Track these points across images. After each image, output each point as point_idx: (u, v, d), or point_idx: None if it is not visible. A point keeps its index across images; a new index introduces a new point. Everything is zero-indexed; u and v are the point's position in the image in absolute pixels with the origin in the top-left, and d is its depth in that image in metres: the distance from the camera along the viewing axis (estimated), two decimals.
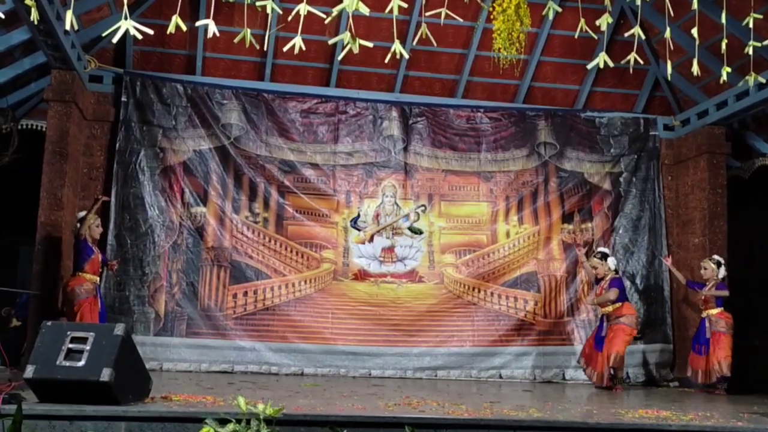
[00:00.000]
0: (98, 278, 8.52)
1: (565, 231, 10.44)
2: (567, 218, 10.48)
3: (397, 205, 10.25)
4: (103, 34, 5.79)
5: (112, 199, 9.37)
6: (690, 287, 9.57)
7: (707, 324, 9.07)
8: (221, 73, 10.17)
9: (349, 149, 10.24)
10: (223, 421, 4.11)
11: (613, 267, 9.22)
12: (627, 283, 9.99)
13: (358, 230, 10.11)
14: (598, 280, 9.33)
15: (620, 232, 10.44)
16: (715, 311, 9.05)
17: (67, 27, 4.23)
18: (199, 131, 9.87)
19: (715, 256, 9.36)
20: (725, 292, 9.09)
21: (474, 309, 10.07)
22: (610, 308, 9.04)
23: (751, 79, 5.39)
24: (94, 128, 9.67)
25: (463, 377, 9.76)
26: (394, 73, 10.36)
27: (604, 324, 9.12)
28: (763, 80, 5.98)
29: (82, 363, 4.63)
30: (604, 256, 9.27)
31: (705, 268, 9.26)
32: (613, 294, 8.99)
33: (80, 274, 8.30)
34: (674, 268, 9.76)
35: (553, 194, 10.50)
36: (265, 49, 9.67)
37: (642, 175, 10.64)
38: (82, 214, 8.47)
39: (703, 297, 9.20)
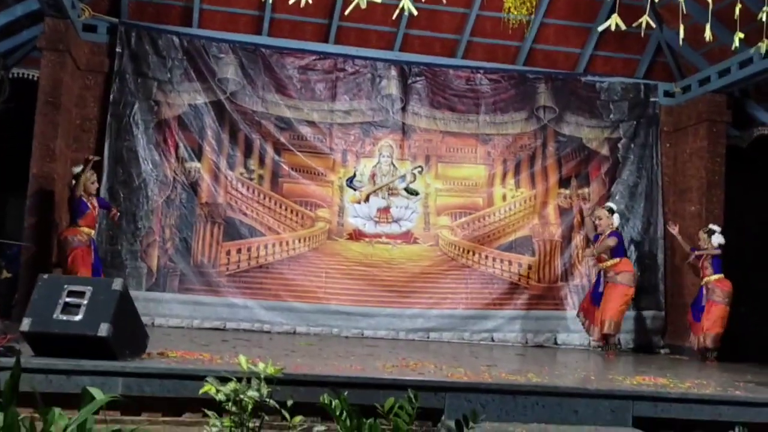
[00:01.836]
0: (93, 231, 8.45)
1: (562, 196, 10.40)
2: (564, 183, 10.42)
3: (394, 166, 10.15)
4: None
5: (105, 152, 9.25)
6: (693, 252, 9.54)
7: (704, 292, 9.09)
8: (218, 26, 9.96)
9: (346, 107, 10.10)
10: (223, 380, 4.06)
11: (616, 224, 9.21)
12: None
13: (354, 190, 10.03)
14: (596, 237, 9.31)
15: (617, 198, 10.37)
16: (713, 278, 9.05)
17: None
18: (194, 85, 9.70)
19: (713, 226, 9.32)
20: (717, 251, 9.08)
21: (468, 272, 10.04)
22: (608, 263, 9.04)
23: (763, 45, 5.32)
24: (87, 79, 9.48)
25: (456, 339, 9.76)
26: (394, 31, 10.18)
27: (601, 279, 9.14)
28: None
29: (79, 317, 4.56)
30: (611, 211, 9.24)
31: (700, 239, 9.26)
32: (611, 241, 9.01)
33: (75, 227, 8.25)
34: (679, 236, 9.69)
35: (550, 158, 10.43)
36: (269, 1, 9.44)
37: (640, 142, 10.57)
38: (77, 169, 8.33)
39: (700, 264, 9.20)
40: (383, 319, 9.71)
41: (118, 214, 8.81)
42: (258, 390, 4.08)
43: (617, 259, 9.02)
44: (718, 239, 9.12)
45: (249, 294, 9.53)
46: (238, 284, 9.55)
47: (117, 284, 4.77)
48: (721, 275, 9.05)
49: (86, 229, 8.28)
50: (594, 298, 9.21)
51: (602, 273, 9.16)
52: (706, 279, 9.12)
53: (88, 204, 8.34)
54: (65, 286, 4.70)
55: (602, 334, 8.93)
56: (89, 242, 8.32)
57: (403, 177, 10.14)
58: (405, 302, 9.82)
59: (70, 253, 8.14)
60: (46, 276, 4.88)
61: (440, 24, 10.29)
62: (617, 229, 9.23)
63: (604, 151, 10.56)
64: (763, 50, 5.36)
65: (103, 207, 8.69)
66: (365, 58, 10.18)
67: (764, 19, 5.13)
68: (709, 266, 9.09)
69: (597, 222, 9.26)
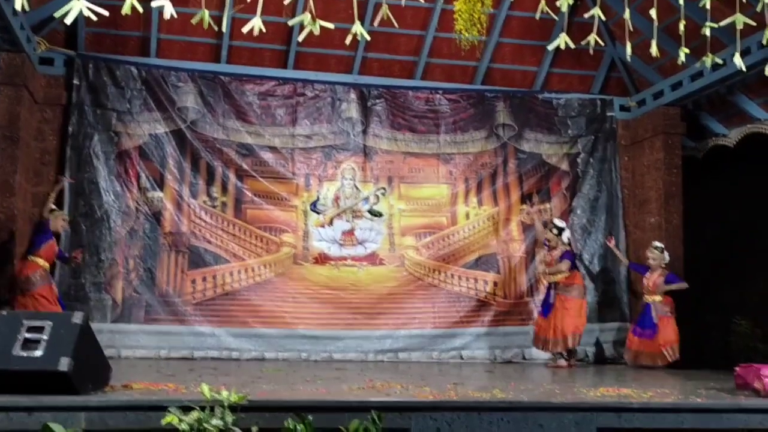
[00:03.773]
0: (49, 266, 8.37)
1: (524, 212, 10.51)
2: (526, 199, 10.55)
3: (357, 188, 10.21)
4: (56, 15, 5.61)
5: (66, 185, 9.16)
6: (633, 269, 9.77)
7: (653, 310, 9.26)
8: (176, 56, 9.99)
9: (307, 132, 10.15)
10: (186, 409, 4.05)
11: (566, 241, 9.34)
12: (585, 262, 10.31)
13: (318, 213, 10.06)
14: (548, 246, 9.48)
15: (578, 212, 10.54)
16: (659, 297, 9.26)
17: (17, 7, 4.10)
18: (154, 115, 9.70)
19: (658, 243, 9.52)
20: (683, 285, 9.28)
21: (435, 291, 10.10)
22: (559, 276, 9.17)
23: (708, 60, 5.46)
24: (45, 112, 9.43)
25: (425, 359, 9.79)
26: (352, 54, 10.27)
27: (552, 292, 9.25)
28: (720, 61, 6.08)
29: (39, 353, 4.52)
30: (560, 232, 9.37)
31: (652, 255, 9.41)
32: (564, 266, 9.17)
33: (32, 258, 8.18)
34: (616, 249, 10.04)
35: (511, 175, 10.56)
36: (223, 30, 9.50)
37: (599, 156, 10.75)
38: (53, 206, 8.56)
39: (651, 284, 9.35)
40: (352, 342, 9.71)
41: (80, 257, 8.77)
42: (222, 418, 4.08)
43: (568, 273, 9.16)
44: (667, 256, 9.35)
45: (216, 322, 9.49)
46: (204, 312, 9.50)
47: (77, 318, 4.74)
48: (665, 294, 9.26)
49: (44, 263, 8.20)
50: (544, 309, 9.32)
51: (552, 285, 9.27)
52: (652, 298, 9.30)
53: (53, 237, 8.31)
54: (24, 321, 4.66)
55: (567, 349, 9.03)
56: (49, 278, 8.24)
57: (367, 199, 10.20)
58: (373, 324, 9.84)
59: (35, 294, 8.02)
60: (4, 312, 4.84)
61: (398, 46, 10.42)
62: (569, 247, 9.35)
63: (564, 166, 10.72)
64: (708, 64, 5.50)
65: (60, 258, 8.66)
66: (325, 83, 10.27)
67: (708, 33, 5.25)
68: (661, 284, 9.28)
69: (547, 243, 9.45)
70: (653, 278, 9.34)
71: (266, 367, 8.22)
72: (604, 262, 10.51)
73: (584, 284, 9.44)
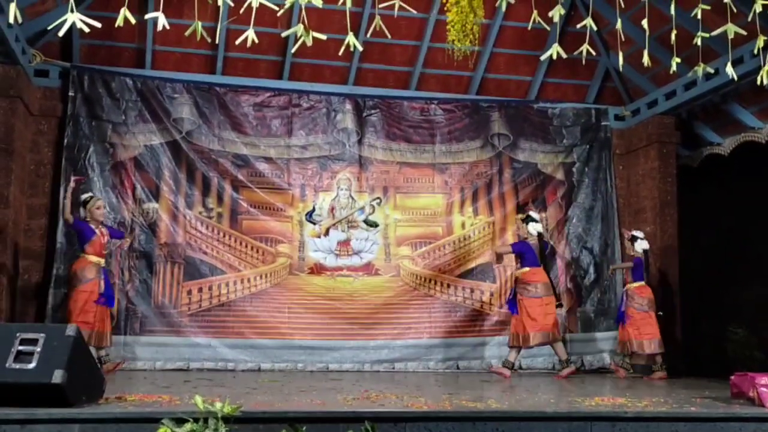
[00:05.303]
0: (103, 260, 8.41)
1: (520, 221, 10.50)
2: (521, 209, 10.53)
3: (353, 198, 10.22)
4: (49, 27, 5.64)
5: (61, 196, 9.13)
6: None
7: (625, 298, 9.35)
8: (172, 67, 10.02)
9: (303, 142, 10.17)
10: (180, 421, 4.04)
11: (534, 233, 9.08)
12: (559, 262, 10.40)
13: (314, 224, 10.06)
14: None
15: (574, 221, 10.56)
16: (633, 285, 9.28)
17: (11, 20, 4.12)
18: (149, 126, 9.71)
19: (629, 232, 9.61)
20: (628, 264, 9.39)
21: (431, 301, 10.09)
22: (519, 272, 9.03)
23: (699, 69, 5.49)
24: (40, 124, 9.44)
25: (421, 369, 9.77)
26: (347, 65, 10.31)
27: (515, 288, 9.10)
28: (712, 70, 6.12)
29: (32, 365, 4.50)
30: (526, 220, 9.19)
31: (626, 247, 9.70)
32: (504, 248, 9.50)
33: (82, 255, 8.25)
34: (618, 269, 10.08)
35: (507, 185, 10.57)
36: (216, 42, 9.54)
37: (594, 165, 10.77)
38: (85, 196, 8.56)
39: (624, 272, 9.58)
40: (348, 352, 9.70)
41: (128, 242, 9.00)
42: (215, 430, 4.07)
43: (527, 269, 8.91)
44: (641, 245, 9.34)
45: (212, 333, 9.47)
46: (200, 323, 9.48)
47: (71, 330, 4.72)
48: (642, 282, 9.26)
49: (94, 258, 8.25)
50: (511, 305, 9.07)
51: (515, 281, 9.12)
52: (627, 285, 9.38)
53: (95, 230, 8.33)
54: (17, 334, 4.64)
55: (528, 347, 8.90)
56: (97, 276, 8.23)
57: (362, 209, 10.21)
58: (369, 334, 9.82)
59: (75, 293, 8.09)
60: None
61: (393, 57, 10.46)
62: (526, 238, 9.12)
63: (560, 175, 10.74)
64: (699, 74, 5.53)
65: (116, 237, 8.75)
66: (320, 93, 10.29)
67: (700, 43, 5.28)
68: (630, 273, 9.29)
69: (517, 232, 9.52)
70: (614, 266, 9.53)
71: (262, 378, 8.21)
72: (599, 271, 10.50)
73: (547, 282, 8.95)
